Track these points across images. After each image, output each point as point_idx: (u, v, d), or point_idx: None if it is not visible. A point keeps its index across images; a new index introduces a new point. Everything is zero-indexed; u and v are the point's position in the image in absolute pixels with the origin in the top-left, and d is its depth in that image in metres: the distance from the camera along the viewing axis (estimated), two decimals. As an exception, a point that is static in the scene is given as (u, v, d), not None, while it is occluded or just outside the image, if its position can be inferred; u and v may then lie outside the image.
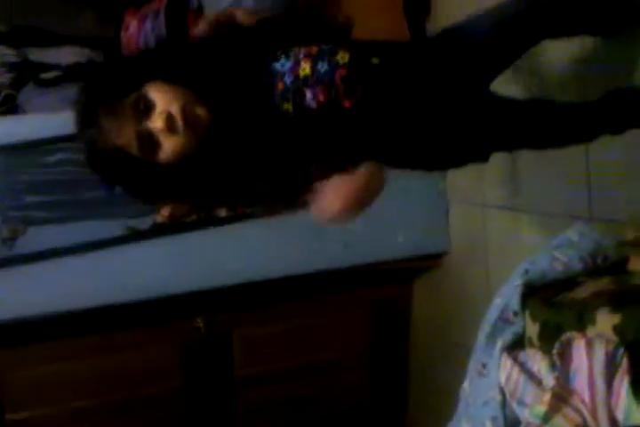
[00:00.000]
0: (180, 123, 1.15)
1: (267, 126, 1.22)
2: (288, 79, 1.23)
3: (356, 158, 1.23)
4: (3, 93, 2.71)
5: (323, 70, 1.23)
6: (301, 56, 1.25)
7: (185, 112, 1.16)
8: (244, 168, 1.21)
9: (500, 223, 2.51)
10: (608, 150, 1.84)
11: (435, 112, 1.33)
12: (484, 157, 1.45)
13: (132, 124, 1.15)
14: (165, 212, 2.54)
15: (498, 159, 2.36)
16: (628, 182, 1.84)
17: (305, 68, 1.23)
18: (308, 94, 1.22)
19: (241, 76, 1.26)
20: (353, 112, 1.24)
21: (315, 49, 1.26)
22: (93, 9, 2.72)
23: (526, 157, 2.15)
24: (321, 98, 1.22)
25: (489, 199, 2.56)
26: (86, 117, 1.19)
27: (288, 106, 1.23)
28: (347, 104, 1.24)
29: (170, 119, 1.14)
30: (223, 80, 1.25)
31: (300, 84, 1.22)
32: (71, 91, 2.60)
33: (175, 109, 1.15)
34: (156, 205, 2.39)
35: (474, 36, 1.42)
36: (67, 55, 2.69)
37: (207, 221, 2.65)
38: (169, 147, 1.16)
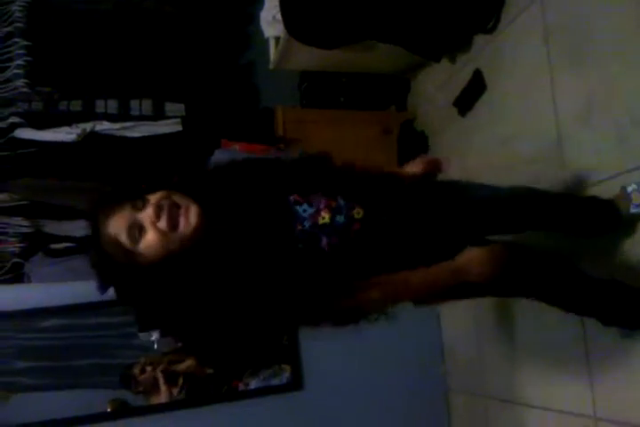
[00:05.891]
0: (165, 213, 1.23)
1: (274, 255, 1.28)
2: (307, 223, 1.34)
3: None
4: (11, 261, 2.77)
5: (340, 222, 1.36)
6: (322, 206, 1.37)
7: (173, 206, 1.24)
8: (232, 288, 1.23)
9: (503, 416, 2.41)
10: (607, 350, 1.84)
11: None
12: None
13: (127, 215, 1.24)
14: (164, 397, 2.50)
15: (499, 351, 2.38)
16: (630, 383, 1.80)
17: (325, 217, 1.35)
18: (324, 240, 1.33)
19: (257, 202, 1.35)
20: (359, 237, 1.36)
21: (334, 203, 1.38)
22: (112, 186, 2.86)
23: (526, 348, 2.14)
24: (334, 242, 1.34)
25: (491, 390, 2.49)
26: (93, 214, 1.27)
27: (301, 244, 1.32)
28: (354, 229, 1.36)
29: (159, 208, 1.23)
30: (237, 200, 1.34)
31: (318, 230, 1.34)
32: (78, 262, 2.67)
33: (167, 204, 1.25)
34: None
35: (471, 197, 1.61)
36: (79, 229, 2.78)
37: (203, 398, 2.62)
38: (151, 237, 1.22)
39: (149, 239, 1.22)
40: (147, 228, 1.23)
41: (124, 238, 1.22)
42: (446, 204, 1.55)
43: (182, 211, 1.25)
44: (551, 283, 1.56)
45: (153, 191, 1.28)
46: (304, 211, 1.35)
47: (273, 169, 1.47)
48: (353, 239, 1.35)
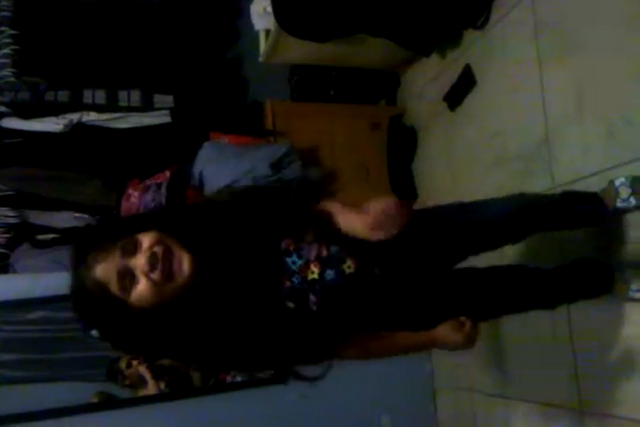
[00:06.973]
0: (160, 264, 1.15)
1: (261, 309, 1.24)
2: (296, 280, 1.27)
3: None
4: (-4, 253, 2.74)
5: (329, 278, 1.29)
6: (312, 257, 1.29)
7: (167, 255, 1.17)
8: (216, 333, 1.21)
9: (490, 411, 2.42)
10: (592, 344, 1.85)
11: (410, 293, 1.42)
12: None
13: (117, 261, 1.16)
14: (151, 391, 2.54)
15: (485, 345, 2.39)
16: (615, 376, 1.82)
17: (314, 271, 1.28)
18: (312, 298, 1.27)
19: (249, 250, 1.27)
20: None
21: (326, 251, 1.30)
22: (99, 178, 2.85)
23: (511, 343, 2.14)
24: (321, 300, 1.28)
25: (478, 385, 2.50)
26: (78, 256, 1.20)
27: (290, 304, 1.27)
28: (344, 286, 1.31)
29: (153, 257, 1.15)
30: (228, 246, 1.26)
31: (307, 287, 1.27)
32: (63, 253, 2.65)
33: (159, 250, 1.16)
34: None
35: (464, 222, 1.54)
36: (66, 220, 2.76)
37: (190, 390, 2.62)
38: (144, 288, 1.15)
39: (142, 290, 1.15)
40: (138, 277, 1.15)
41: (113, 287, 1.15)
42: (441, 240, 1.49)
43: (175, 259, 1.17)
44: (521, 304, 1.59)
45: (143, 230, 1.20)
46: (293, 263, 1.28)
47: (271, 206, 1.34)
48: (341, 298, 1.30)
